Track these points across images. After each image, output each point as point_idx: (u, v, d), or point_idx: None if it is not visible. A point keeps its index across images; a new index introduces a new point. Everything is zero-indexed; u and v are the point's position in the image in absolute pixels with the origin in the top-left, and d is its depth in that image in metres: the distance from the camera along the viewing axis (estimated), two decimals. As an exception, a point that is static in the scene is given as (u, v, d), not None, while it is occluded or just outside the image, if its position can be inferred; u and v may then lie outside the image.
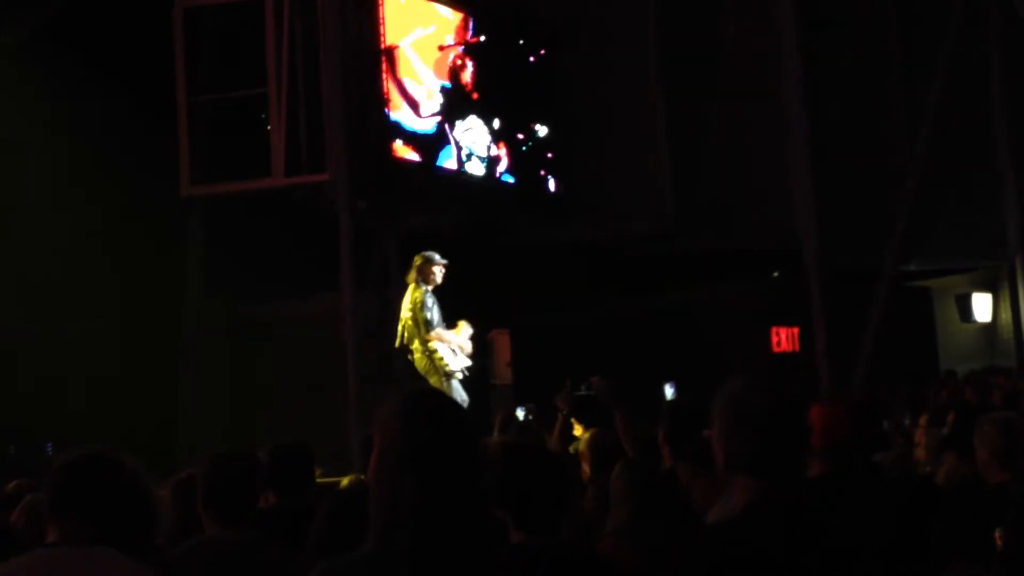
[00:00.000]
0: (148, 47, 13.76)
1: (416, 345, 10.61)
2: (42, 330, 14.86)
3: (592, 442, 6.21)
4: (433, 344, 10.56)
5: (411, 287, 10.68)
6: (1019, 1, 16.53)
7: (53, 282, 13.94)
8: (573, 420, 7.95)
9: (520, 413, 8.71)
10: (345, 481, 6.41)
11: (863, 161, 17.42)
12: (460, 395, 10.57)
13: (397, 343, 10.88)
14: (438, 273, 10.68)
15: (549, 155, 15.96)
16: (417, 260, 10.73)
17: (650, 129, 16.40)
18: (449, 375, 10.58)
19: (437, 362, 10.55)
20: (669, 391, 8.41)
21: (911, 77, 17.79)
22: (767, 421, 2.87)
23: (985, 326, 22.53)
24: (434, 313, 10.60)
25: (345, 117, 12.93)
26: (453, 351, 10.69)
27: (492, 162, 15.10)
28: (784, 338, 17.81)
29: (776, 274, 19.02)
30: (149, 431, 14.68)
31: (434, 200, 14.94)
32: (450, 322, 10.79)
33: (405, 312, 10.66)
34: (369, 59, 13.40)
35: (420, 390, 2.77)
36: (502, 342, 16.71)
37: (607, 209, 16.38)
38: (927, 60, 17.08)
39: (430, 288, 10.65)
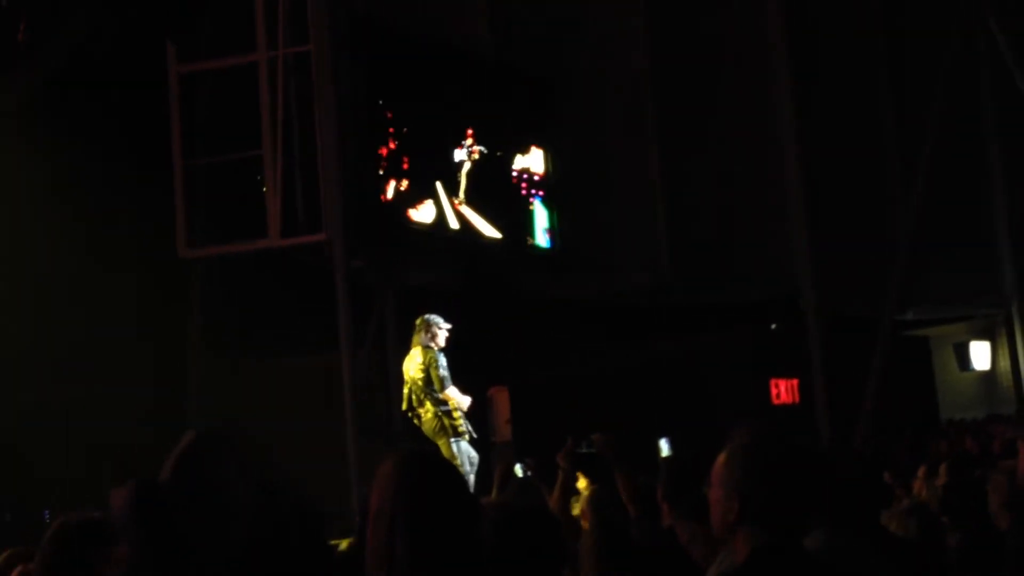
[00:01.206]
0: (147, 107, 13.80)
1: (427, 407, 10.53)
2: (39, 395, 14.77)
3: (592, 499, 6.17)
4: (452, 400, 10.47)
5: (419, 349, 10.62)
6: (1007, 51, 16.68)
7: (48, 345, 13.87)
8: (579, 474, 7.89)
9: (519, 469, 8.62)
10: (344, 544, 6.37)
11: (859, 211, 17.47)
12: (470, 455, 10.52)
13: (404, 406, 10.81)
14: (441, 336, 10.65)
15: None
16: (419, 323, 10.70)
17: (645, 182, 16.46)
18: (460, 435, 10.51)
19: (454, 420, 10.48)
20: (664, 447, 8.33)
21: (905, 126, 17.89)
22: (789, 474, 2.84)
23: (984, 374, 22.51)
24: (447, 372, 10.57)
25: (340, 177, 12.96)
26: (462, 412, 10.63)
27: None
28: (783, 390, 17.75)
29: (774, 326, 19.00)
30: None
31: (431, 257, 14.95)
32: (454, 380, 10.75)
33: (416, 373, 10.60)
34: (363, 119, 13.46)
35: (414, 450, 2.76)
36: (501, 399, 16.68)
37: (603, 263, 16.38)
38: (920, 108, 17.19)
39: (440, 348, 10.62)
